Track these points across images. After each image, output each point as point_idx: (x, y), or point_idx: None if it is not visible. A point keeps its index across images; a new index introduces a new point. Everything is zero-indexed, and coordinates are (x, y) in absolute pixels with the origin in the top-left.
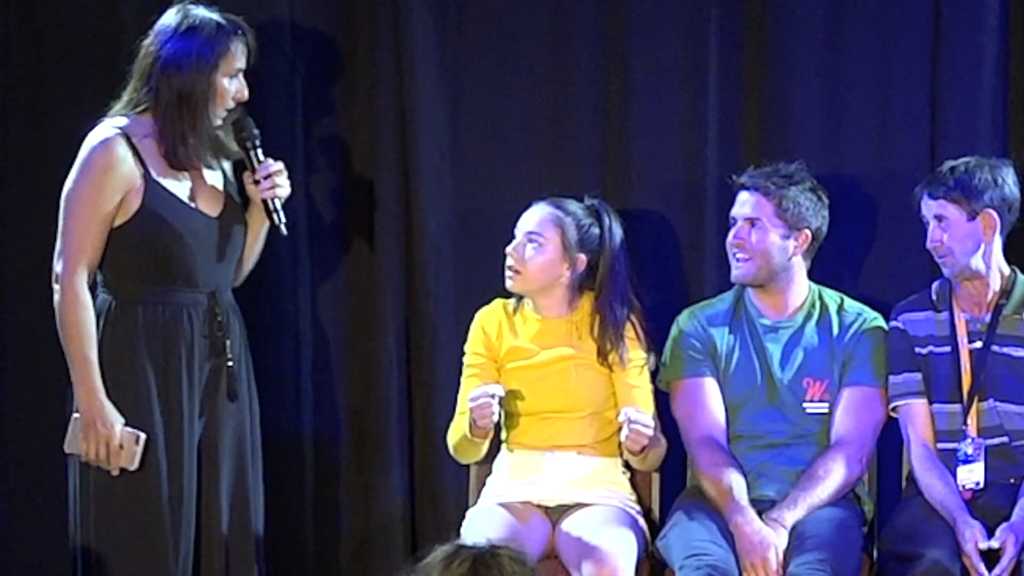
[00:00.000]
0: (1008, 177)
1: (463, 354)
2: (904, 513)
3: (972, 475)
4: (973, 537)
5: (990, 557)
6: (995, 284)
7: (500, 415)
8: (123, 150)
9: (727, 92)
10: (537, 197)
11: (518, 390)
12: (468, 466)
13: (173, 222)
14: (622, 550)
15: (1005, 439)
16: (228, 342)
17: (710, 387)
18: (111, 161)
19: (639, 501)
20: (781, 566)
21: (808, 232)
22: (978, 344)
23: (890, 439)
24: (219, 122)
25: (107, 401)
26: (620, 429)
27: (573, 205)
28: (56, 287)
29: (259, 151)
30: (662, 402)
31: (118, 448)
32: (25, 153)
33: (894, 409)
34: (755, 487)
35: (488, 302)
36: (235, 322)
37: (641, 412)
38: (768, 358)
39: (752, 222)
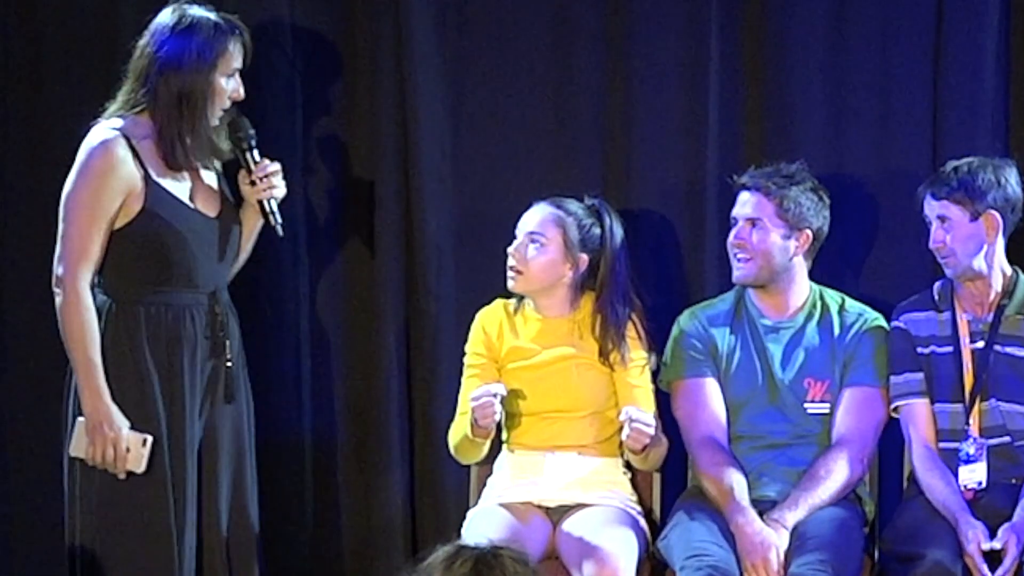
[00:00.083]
0: (1011, 177)
1: (464, 354)
2: (905, 513)
3: (974, 475)
4: (975, 538)
5: (992, 558)
6: (997, 284)
7: (501, 415)
8: (123, 151)
9: (728, 92)
10: (538, 197)
11: (519, 390)
12: (469, 466)
13: (175, 223)
14: (623, 550)
15: (1007, 439)
16: (228, 342)
17: (711, 387)
18: (112, 163)
19: (640, 501)
20: (782, 567)
21: (809, 232)
22: (980, 344)
23: (891, 439)
24: (216, 122)
25: (113, 404)
26: (621, 428)
27: (574, 205)
28: (58, 290)
29: (255, 152)
30: (663, 402)
31: (125, 451)
32: (24, 153)
33: (895, 409)
34: (756, 487)
35: (489, 302)
36: (233, 322)
37: (642, 411)
38: (769, 358)
39: (753, 222)
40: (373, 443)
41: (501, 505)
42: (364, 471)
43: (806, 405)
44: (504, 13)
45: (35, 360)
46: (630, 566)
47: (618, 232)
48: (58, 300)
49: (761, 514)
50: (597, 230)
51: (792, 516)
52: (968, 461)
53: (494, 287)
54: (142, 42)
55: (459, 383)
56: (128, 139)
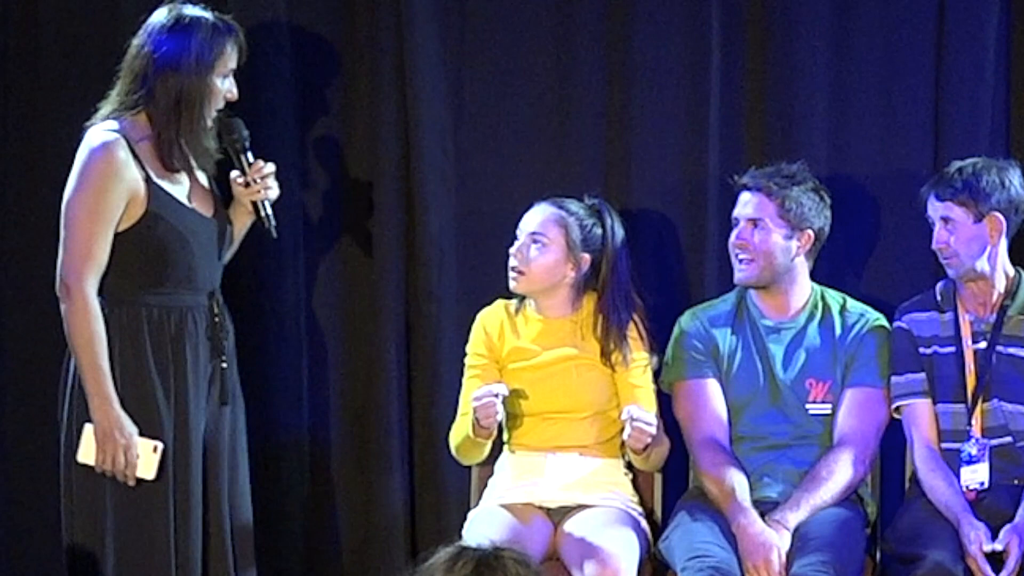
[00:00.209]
0: (1015, 179)
1: (465, 355)
2: (907, 514)
3: (976, 475)
4: (978, 539)
5: (994, 559)
6: (1000, 285)
7: (503, 415)
8: (125, 154)
9: (729, 92)
10: (539, 197)
11: (520, 390)
12: (470, 467)
13: (177, 224)
14: (624, 551)
15: (1009, 439)
16: (226, 343)
17: (712, 388)
18: (115, 166)
19: (641, 502)
20: (784, 567)
21: (811, 232)
22: (982, 344)
23: (893, 440)
24: (211, 123)
25: (122, 411)
26: (623, 429)
27: (575, 205)
28: (63, 296)
29: (249, 153)
30: (664, 403)
31: (135, 458)
32: (23, 154)
33: (897, 409)
34: (758, 488)
35: (490, 303)
36: (228, 322)
37: (644, 411)
38: (770, 359)
39: (755, 223)
40: (374, 444)
41: (502, 506)
42: (365, 472)
43: (808, 406)
44: (505, 13)
45: (34, 360)
46: (631, 567)
47: (619, 232)
48: (64, 306)
49: (763, 515)
50: (598, 230)
51: (794, 517)
52: (970, 462)
53: (495, 287)
54: (137, 41)
55: (460, 384)
56: (128, 141)
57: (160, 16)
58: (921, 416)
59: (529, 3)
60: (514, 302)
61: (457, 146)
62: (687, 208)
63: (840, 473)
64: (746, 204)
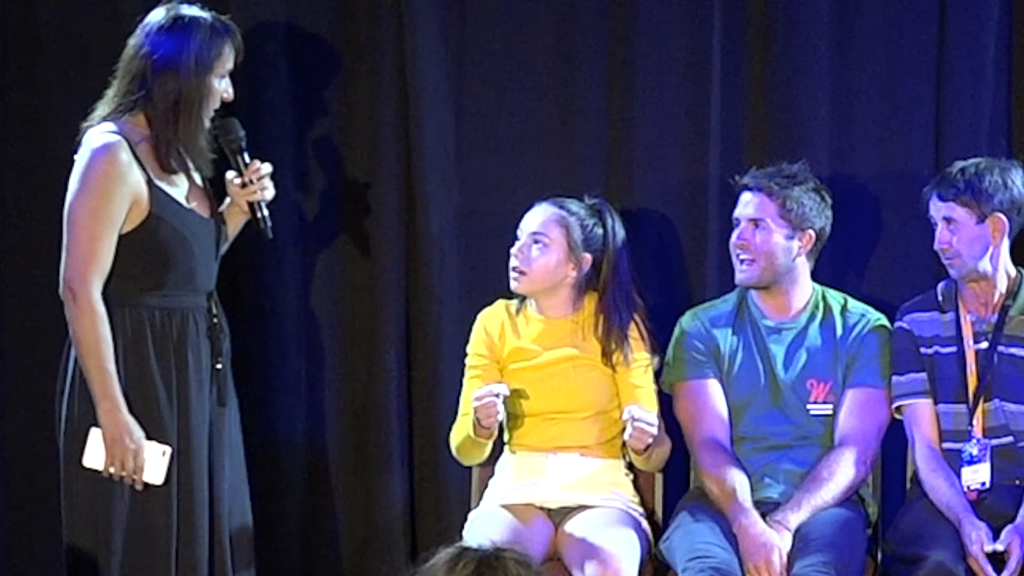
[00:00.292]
0: (1017, 179)
1: (465, 355)
2: (908, 515)
3: (977, 476)
4: (979, 539)
5: (996, 560)
6: (1001, 286)
7: (503, 415)
8: (127, 156)
9: (730, 92)
10: (540, 197)
11: (521, 391)
12: (470, 468)
13: (179, 227)
14: (625, 552)
15: (1010, 439)
16: (224, 344)
17: (713, 389)
18: (119, 169)
19: (642, 503)
20: (785, 568)
21: (812, 232)
22: (984, 345)
23: (894, 441)
24: (208, 124)
25: (130, 415)
26: (624, 429)
27: (576, 205)
28: (68, 300)
29: (246, 153)
30: (665, 403)
31: (143, 463)
32: (22, 155)
33: (898, 409)
34: (759, 489)
35: (491, 303)
36: (225, 322)
37: (645, 411)
38: (772, 359)
39: (756, 223)
40: (374, 444)
41: (503, 506)
42: (365, 472)
43: (809, 406)
44: (506, 12)
45: (33, 361)
46: (632, 568)
47: (620, 232)
48: (69, 310)
49: (764, 516)
50: (599, 230)
51: (795, 517)
52: (971, 462)
53: (496, 288)
54: (134, 42)
55: (460, 384)
56: (129, 143)
57: (157, 16)
58: (922, 416)
59: (530, 3)
60: (515, 302)
61: (458, 146)
62: (688, 208)
63: (841, 474)
64: (747, 204)
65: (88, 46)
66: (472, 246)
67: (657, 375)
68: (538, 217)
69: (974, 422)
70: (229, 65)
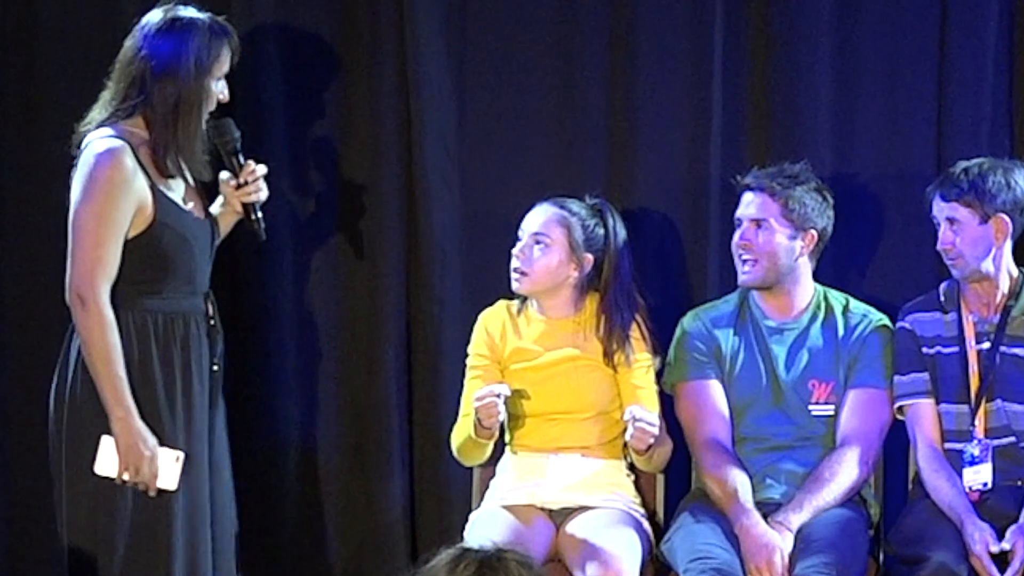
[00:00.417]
0: (1020, 180)
1: (466, 356)
2: (910, 516)
3: (979, 476)
4: (983, 539)
5: (997, 560)
6: (1004, 286)
7: (505, 415)
8: (131, 162)
9: (731, 92)
10: (541, 197)
11: (522, 391)
12: (471, 468)
13: (181, 231)
14: (626, 553)
15: (1012, 439)
16: (219, 345)
17: (715, 389)
18: (125, 175)
19: (643, 504)
20: (786, 569)
21: (814, 232)
22: (986, 345)
23: (896, 441)
24: (204, 126)
25: (142, 421)
26: (625, 430)
27: (577, 205)
28: (77, 307)
29: (240, 155)
30: (667, 404)
31: (157, 470)
32: (20, 155)
33: (900, 409)
34: (760, 490)
35: (492, 303)
36: (219, 323)
37: (646, 411)
38: (773, 360)
39: (758, 223)
40: (375, 445)
41: (504, 507)
42: (365, 473)
43: (810, 407)
44: (507, 13)
45: (33, 361)
46: (633, 569)
47: (621, 232)
48: (78, 317)
49: (765, 516)
50: (601, 230)
51: (796, 518)
52: (973, 462)
53: (497, 288)
54: (131, 43)
55: (461, 385)
56: (132, 148)
57: (155, 18)
58: (924, 416)
59: (531, 3)
60: (516, 302)
61: (459, 146)
62: (689, 208)
63: (843, 474)
64: (749, 204)
65: (87, 46)
66: (473, 246)
67: (658, 375)
68: (539, 217)
69: (976, 422)
70: (227, 67)
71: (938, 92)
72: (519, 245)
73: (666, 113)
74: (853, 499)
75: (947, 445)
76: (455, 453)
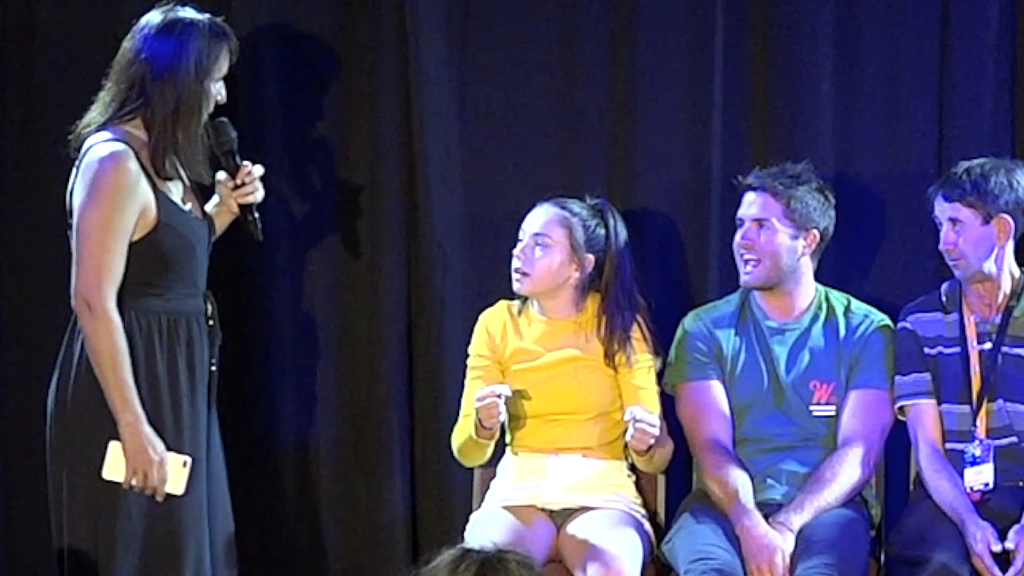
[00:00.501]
0: (1022, 180)
1: (467, 356)
2: (912, 517)
3: (980, 476)
4: (984, 538)
5: (999, 561)
6: (1006, 286)
7: (505, 416)
8: (135, 166)
9: (732, 92)
10: (543, 197)
11: (523, 391)
12: (472, 469)
13: (185, 232)
14: (627, 553)
15: (1014, 439)
16: (218, 346)
17: (716, 390)
18: (130, 180)
19: (644, 504)
20: (788, 570)
21: (816, 232)
22: (988, 345)
23: (898, 442)
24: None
25: (150, 427)
26: (626, 430)
27: (577, 205)
28: (84, 312)
29: (237, 156)
30: (668, 404)
31: (166, 475)
32: (19, 155)
33: (901, 409)
34: (761, 490)
35: (493, 304)
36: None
37: (647, 411)
38: (774, 361)
39: (760, 223)
40: (375, 445)
41: (505, 508)
42: (367, 474)
43: (812, 407)
44: (509, 12)
45: (32, 361)
46: (634, 569)
47: (622, 233)
48: (86, 322)
49: (767, 517)
50: (602, 230)
51: (798, 519)
52: (974, 463)
53: (498, 289)
54: (130, 45)
55: (462, 385)
56: (135, 151)
57: (154, 19)
58: (925, 417)
59: (532, 3)
60: (517, 303)
61: (460, 146)
62: (690, 208)
63: (844, 475)
64: (751, 204)
65: (86, 46)
66: (474, 246)
67: (659, 376)
68: (540, 218)
69: (977, 423)
70: (225, 69)
71: (939, 92)
72: (520, 246)
73: (667, 113)
74: (854, 500)
75: (949, 445)
76: (456, 454)
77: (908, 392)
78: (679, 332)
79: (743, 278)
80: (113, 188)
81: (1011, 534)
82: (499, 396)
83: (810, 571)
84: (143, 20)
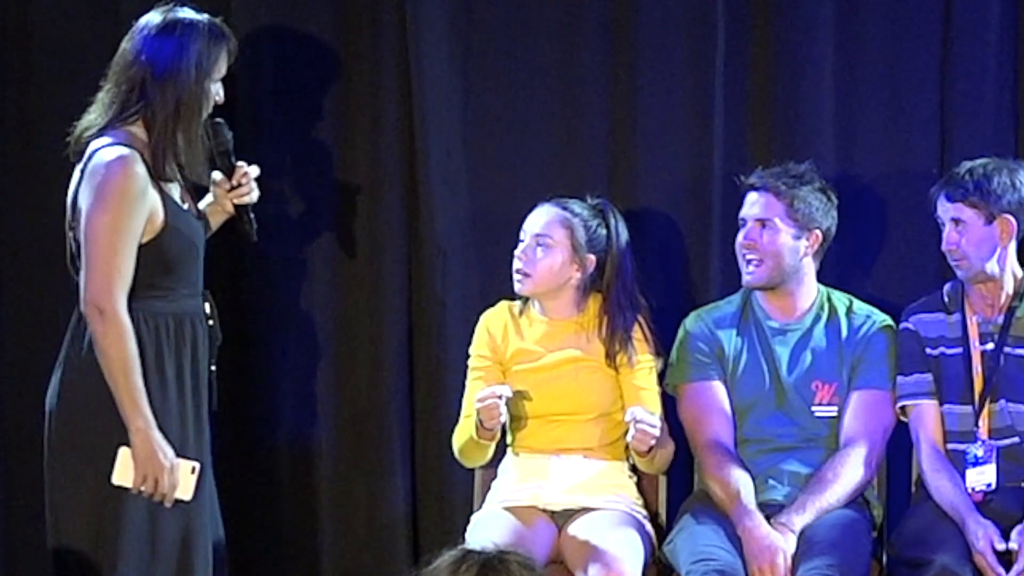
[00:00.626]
0: None
1: (468, 357)
2: (913, 518)
3: (983, 477)
4: (986, 536)
5: (1001, 560)
6: (1008, 287)
7: (506, 417)
8: (142, 169)
9: (734, 92)
10: (544, 198)
11: (524, 392)
12: (473, 470)
13: (189, 234)
14: (628, 554)
15: (1016, 440)
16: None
17: (717, 391)
18: (139, 183)
19: (646, 505)
20: (789, 571)
21: (819, 232)
22: (990, 346)
23: (900, 443)
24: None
25: (160, 432)
26: (627, 431)
27: (579, 206)
28: (95, 318)
29: (233, 157)
30: (669, 405)
31: (177, 481)
32: (19, 156)
33: (903, 410)
34: (763, 491)
35: (494, 304)
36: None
37: (647, 412)
38: (776, 361)
39: (763, 223)
40: (376, 446)
41: (506, 508)
42: (367, 474)
43: (813, 408)
44: (511, 13)
45: (32, 362)
46: (636, 570)
47: (624, 233)
48: (97, 327)
49: (768, 518)
50: (603, 231)
51: (799, 520)
52: (976, 463)
53: (499, 289)
54: (130, 46)
55: (463, 386)
56: (141, 154)
57: (153, 20)
58: (927, 417)
59: (534, 3)
60: (518, 303)
61: (461, 147)
62: (691, 209)
63: (846, 476)
64: (754, 204)
65: (86, 47)
66: (475, 247)
67: (661, 377)
68: (541, 218)
69: (980, 423)
70: (224, 70)
71: (941, 91)
72: (521, 246)
73: (668, 113)
74: (856, 501)
75: (950, 446)
76: (457, 454)
77: (910, 392)
78: (680, 332)
79: (745, 278)
80: (122, 192)
81: (1014, 534)
82: (500, 397)
83: (812, 572)
84: (142, 20)
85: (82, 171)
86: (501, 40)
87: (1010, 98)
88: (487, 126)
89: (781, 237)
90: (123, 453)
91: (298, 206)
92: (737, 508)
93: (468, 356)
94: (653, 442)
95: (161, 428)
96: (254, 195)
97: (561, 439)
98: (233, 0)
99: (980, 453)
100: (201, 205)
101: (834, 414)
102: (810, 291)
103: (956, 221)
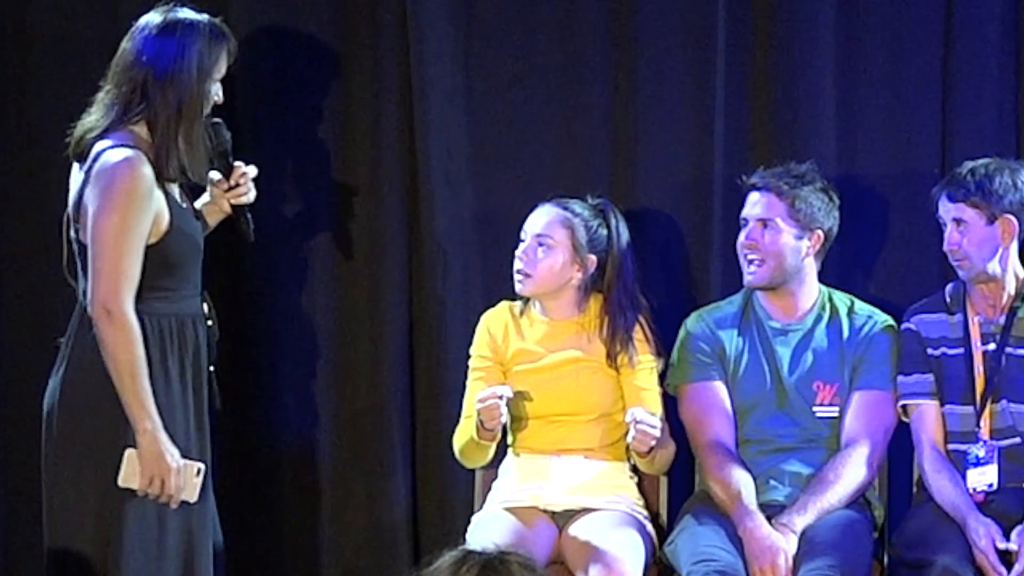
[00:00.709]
0: None
1: (469, 357)
2: (915, 518)
3: (984, 478)
4: (988, 534)
5: (1002, 560)
6: (1010, 287)
7: (507, 417)
8: (149, 171)
9: (735, 92)
10: (544, 198)
11: (525, 393)
12: (474, 470)
13: (192, 234)
14: (629, 555)
15: (1018, 440)
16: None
17: (719, 391)
18: (146, 185)
19: (647, 506)
20: (790, 572)
21: (821, 233)
22: (992, 346)
23: (901, 443)
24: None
25: (166, 434)
26: (628, 431)
27: (580, 206)
28: (103, 319)
29: (231, 157)
30: (670, 405)
31: (183, 483)
32: (18, 157)
33: (904, 410)
34: (764, 492)
35: (495, 305)
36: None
37: (648, 413)
38: (777, 361)
39: (764, 223)
40: (377, 446)
41: (506, 509)
42: (367, 475)
43: (815, 408)
44: (512, 13)
45: (32, 362)
46: (636, 571)
47: (624, 233)
48: (105, 329)
49: (769, 518)
50: (604, 231)
51: (801, 520)
52: (977, 464)
53: (500, 290)
54: (130, 47)
55: (464, 386)
56: (147, 156)
57: (153, 20)
58: (928, 418)
59: (535, 4)
60: (518, 304)
61: (461, 147)
62: (692, 209)
63: (847, 476)
64: (755, 204)
65: (85, 47)
66: (475, 247)
67: (661, 377)
68: (542, 219)
69: (981, 424)
70: (224, 70)
71: (943, 91)
72: (522, 247)
73: (669, 113)
74: (857, 501)
75: (952, 446)
76: (457, 455)
77: (911, 392)
78: (682, 333)
79: (747, 278)
80: (130, 194)
81: (1014, 535)
82: (500, 397)
83: (813, 573)
84: (142, 21)
85: (88, 173)
86: (502, 40)
87: (1012, 98)
88: (488, 126)
89: (783, 237)
90: (129, 455)
91: (298, 206)
92: (738, 509)
93: (468, 356)
94: (654, 443)
95: (167, 430)
96: (251, 195)
97: (562, 440)
98: (233, 0)
99: (981, 454)
100: (197, 205)
101: (835, 414)
102: (811, 291)
103: (958, 221)
